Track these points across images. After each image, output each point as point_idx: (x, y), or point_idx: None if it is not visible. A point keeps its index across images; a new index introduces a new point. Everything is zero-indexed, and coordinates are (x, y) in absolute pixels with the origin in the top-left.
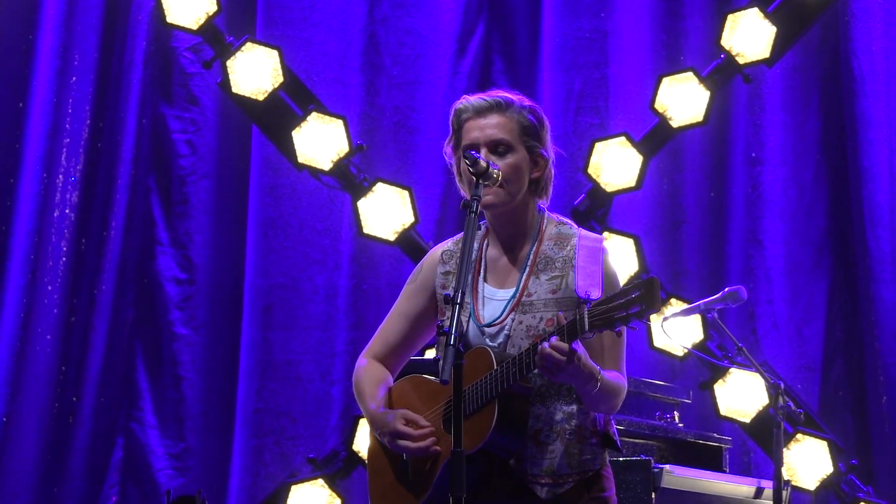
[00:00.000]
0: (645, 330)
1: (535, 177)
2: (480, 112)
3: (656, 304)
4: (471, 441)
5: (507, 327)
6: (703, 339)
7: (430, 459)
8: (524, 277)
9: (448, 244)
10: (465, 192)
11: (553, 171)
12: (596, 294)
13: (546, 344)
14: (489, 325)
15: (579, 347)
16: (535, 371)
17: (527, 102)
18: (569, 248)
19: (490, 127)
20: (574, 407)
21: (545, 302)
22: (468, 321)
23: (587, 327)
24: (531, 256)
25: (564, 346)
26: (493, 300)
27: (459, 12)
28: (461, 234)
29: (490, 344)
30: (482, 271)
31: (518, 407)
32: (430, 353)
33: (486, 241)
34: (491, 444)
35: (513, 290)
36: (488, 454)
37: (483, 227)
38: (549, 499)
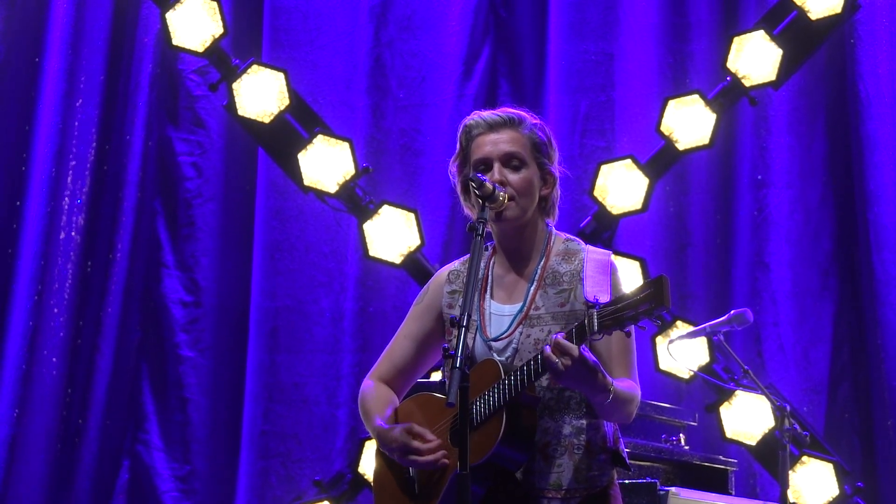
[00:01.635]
0: (651, 353)
1: (545, 194)
2: (493, 127)
3: (666, 302)
4: (478, 452)
5: (514, 341)
6: (709, 361)
7: (438, 473)
8: (532, 291)
9: (455, 265)
10: (468, 210)
11: (559, 192)
12: (604, 298)
13: (553, 338)
14: (496, 339)
15: (589, 354)
16: (545, 384)
17: (536, 120)
18: (576, 262)
19: (503, 142)
20: (584, 422)
21: (553, 315)
22: (475, 337)
23: (596, 327)
24: (539, 271)
25: (570, 344)
26: (500, 316)
27: (465, 35)
28: (469, 255)
29: (498, 358)
30: (489, 289)
31: (526, 418)
32: (436, 376)
33: (492, 261)
34: (497, 456)
35: (520, 304)
36: (495, 467)
37: (489, 248)
38: None
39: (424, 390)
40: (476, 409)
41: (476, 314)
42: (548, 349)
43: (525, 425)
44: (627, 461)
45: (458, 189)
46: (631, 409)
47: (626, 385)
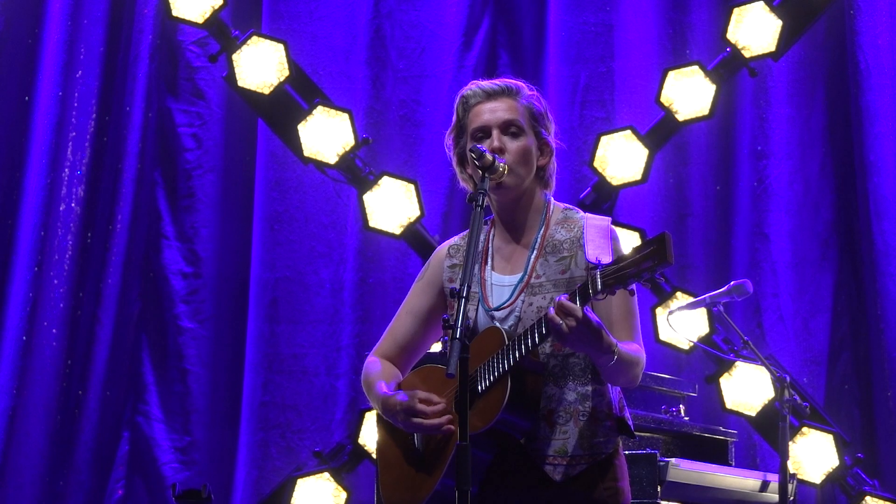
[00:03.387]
0: (651, 324)
1: (542, 164)
2: (491, 95)
3: (669, 258)
4: (483, 418)
5: (516, 309)
6: (709, 332)
7: (443, 442)
8: (532, 260)
9: (455, 239)
10: (464, 182)
11: (556, 164)
12: (606, 260)
13: (557, 300)
14: (498, 309)
15: (593, 315)
16: (549, 350)
17: (533, 90)
18: (576, 229)
19: (501, 110)
20: (589, 388)
21: (555, 283)
22: (477, 308)
23: (599, 287)
24: (539, 240)
25: (573, 305)
26: (502, 286)
27: (465, 6)
28: (468, 229)
29: (501, 327)
30: (489, 261)
31: (530, 384)
32: (436, 347)
33: (492, 232)
34: (502, 423)
35: (520, 274)
36: (501, 434)
37: (488, 221)
38: (563, 481)
39: (430, 362)
40: (480, 376)
41: (477, 286)
42: (552, 311)
43: (529, 392)
44: (633, 429)
45: (454, 161)
46: (637, 371)
47: (632, 348)
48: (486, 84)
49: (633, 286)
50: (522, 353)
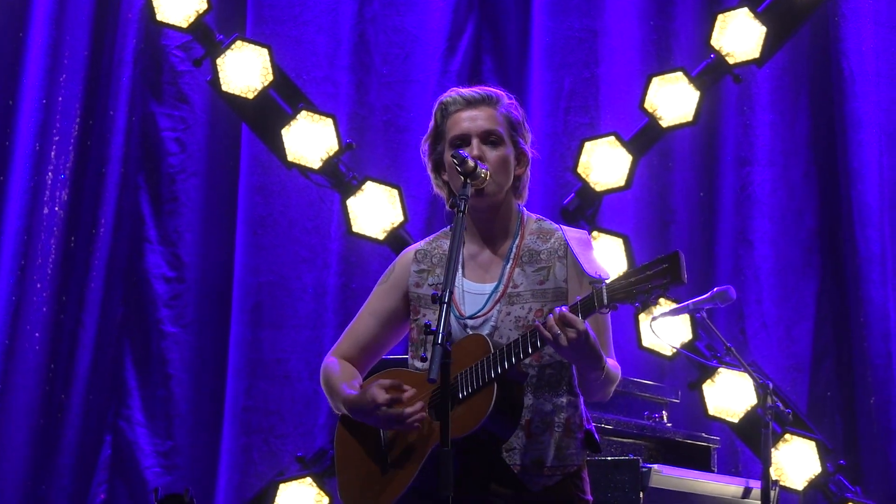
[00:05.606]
0: (634, 329)
1: (518, 173)
2: (471, 103)
3: (683, 277)
4: (464, 424)
5: (492, 318)
6: (692, 338)
7: (416, 444)
8: (508, 269)
9: (422, 244)
10: (438, 189)
11: (529, 174)
12: (605, 274)
13: (558, 310)
14: (472, 317)
15: (591, 329)
16: (526, 360)
17: (512, 99)
18: (553, 240)
19: (481, 118)
20: (564, 399)
21: (533, 293)
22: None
23: (606, 301)
24: (514, 250)
25: (575, 317)
26: (474, 294)
27: (449, 11)
28: (434, 235)
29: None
30: (460, 267)
31: (515, 394)
32: None
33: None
34: (484, 431)
35: (494, 283)
36: (477, 441)
37: None
38: (539, 491)
39: (386, 367)
40: (461, 382)
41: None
42: (550, 318)
43: (514, 401)
44: (599, 442)
45: (429, 168)
46: (612, 388)
47: (612, 364)
48: (466, 91)
49: (641, 302)
50: (512, 362)
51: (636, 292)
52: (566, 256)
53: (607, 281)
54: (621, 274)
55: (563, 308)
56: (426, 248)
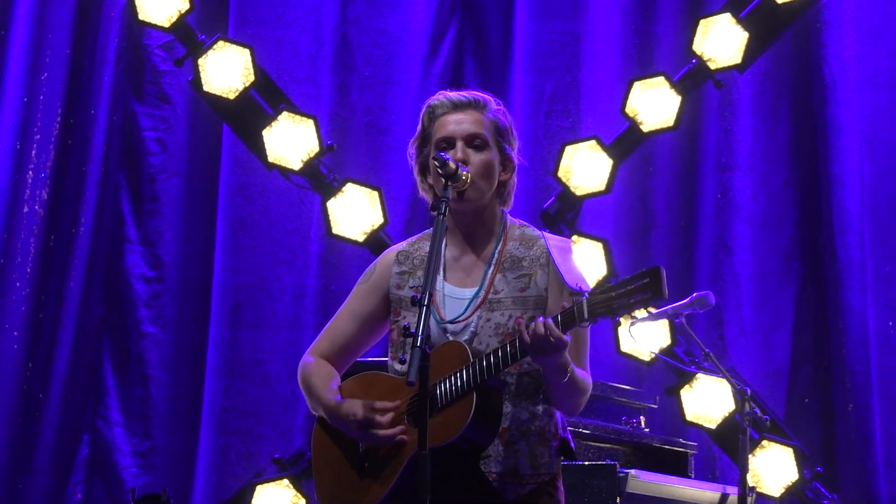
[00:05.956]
0: (612, 335)
1: (503, 179)
2: (458, 107)
3: (664, 292)
4: (444, 433)
5: (472, 324)
6: (671, 344)
7: (394, 451)
8: (490, 275)
9: (403, 245)
10: (424, 193)
11: (516, 180)
12: (586, 286)
13: (540, 319)
14: (452, 322)
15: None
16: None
17: (500, 105)
18: (536, 248)
19: (467, 122)
20: (540, 408)
21: (514, 300)
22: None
23: (586, 315)
24: (496, 255)
25: (561, 335)
26: (455, 298)
27: (432, 13)
28: (417, 236)
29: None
30: (442, 270)
31: (494, 402)
32: None
33: (444, 241)
34: (463, 439)
35: (475, 288)
36: (455, 450)
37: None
38: (513, 499)
39: (365, 369)
40: (441, 390)
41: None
42: (538, 326)
43: (493, 409)
44: (574, 451)
45: (416, 171)
46: (582, 399)
47: (583, 374)
48: (453, 95)
49: (621, 316)
50: (493, 371)
51: (617, 307)
52: (548, 265)
53: (588, 295)
54: (602, 288)
55: (542, 319)
56: (408, 249)
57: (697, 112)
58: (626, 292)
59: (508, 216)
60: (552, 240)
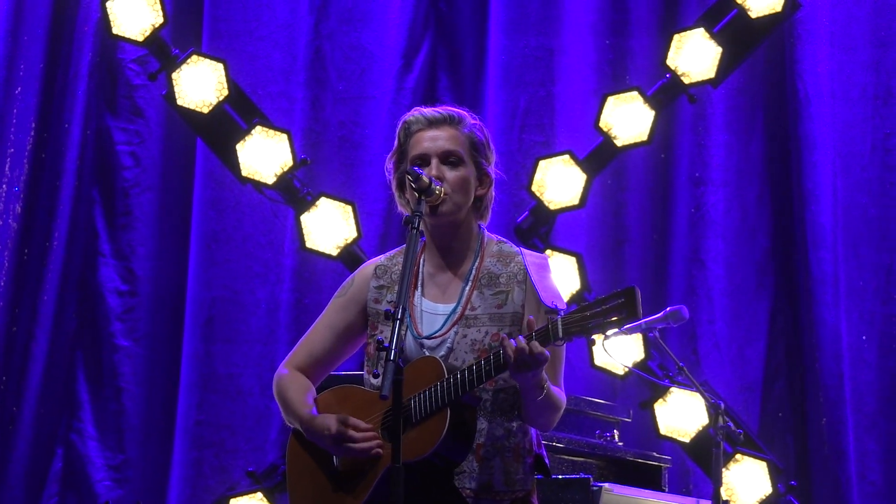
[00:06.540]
0: (586, 348)
1: (480, 194)
2: (433, 123)
3: (639, 312)
4: (418, 448)
5: (449, 340)
6: (644, 358)
7: (368, 465)
8: (467, 291)
9: (381, 259)
10: (402, 208)
11: (494, 194)
12: (561, 305)
13: (522, 337)
14: (429, 338)
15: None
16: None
17: (476, 120)
18: (513, 264)
19: (442, 139)
20: (514, 424)
21: (490, 316)
22: (405, 334)
23: (561, 334)
24: (474, 272)
25: (543, 350)
26: (432, 314)
27: (405, 28)
28: (395, 250)
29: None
30: (419, 286)
31: (468, 418)
32: None
33: (422, 257)
34: (437, 455)
35: (453, 304)
36: (429, 465)
37: (420, 243)
38: None
39: (339, 383)
40: (415, 405)
41: (407, 311)
42: (519, 343)
43: (468, 425)
44: (549, 467)
45: (394, 186)
46: (556, 417)
47: (558, 391)
48: (428, 111)
49: (595, 336)
50: (467, 387)
51: (591, 326)
52: (525, 282)
53: (563, 314)
54: (578, 307)
55: (521, 338)
56: (386, 263)
57: (671, 127)
58: (601, 311)
59: (486, 232)
60: (530, 256)
